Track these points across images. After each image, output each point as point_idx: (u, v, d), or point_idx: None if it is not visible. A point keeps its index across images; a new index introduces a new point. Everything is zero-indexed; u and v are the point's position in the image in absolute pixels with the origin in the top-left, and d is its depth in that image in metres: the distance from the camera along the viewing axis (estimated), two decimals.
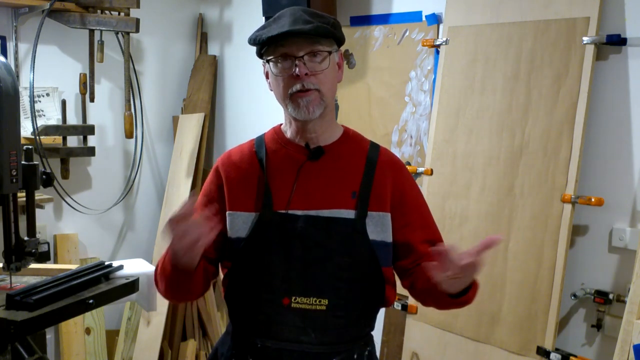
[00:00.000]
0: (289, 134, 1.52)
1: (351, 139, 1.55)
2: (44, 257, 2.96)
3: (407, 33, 2.66)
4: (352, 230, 1.44)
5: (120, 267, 1.89)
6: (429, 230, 1.56)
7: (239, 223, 1.46)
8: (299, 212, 1.44)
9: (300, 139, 1.50)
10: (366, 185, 1.47)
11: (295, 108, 1.42)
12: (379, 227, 1.46)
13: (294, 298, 1.42)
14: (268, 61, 1.44)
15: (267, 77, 1.49)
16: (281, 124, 1.57)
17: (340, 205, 1.44)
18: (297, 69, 1.38)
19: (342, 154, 1.50)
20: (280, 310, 1.42)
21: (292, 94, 1.41)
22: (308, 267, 1.42)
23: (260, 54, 1.47)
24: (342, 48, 1.53)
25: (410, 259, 1.52)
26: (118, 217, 3.41)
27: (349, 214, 1.44)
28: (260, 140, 1.55)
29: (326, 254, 1.43)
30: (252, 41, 1.44)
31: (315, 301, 1.42)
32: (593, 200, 2.01)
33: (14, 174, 1.56)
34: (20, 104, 2.13)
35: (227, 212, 1.48)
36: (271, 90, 1.49)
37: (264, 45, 1.42)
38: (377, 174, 1.49)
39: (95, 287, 1.74)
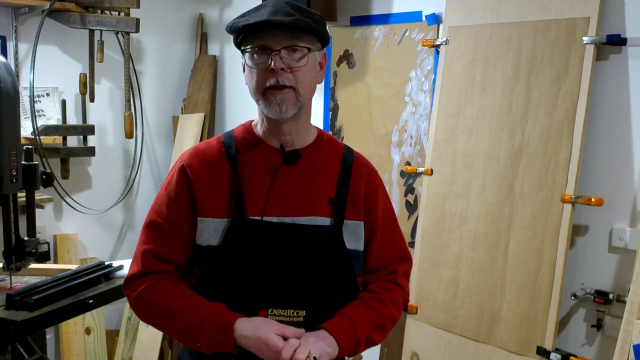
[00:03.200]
0: (260, 131, 1.43)
1: (326, 142, 1.48)
2: (43, 257, 2.96)
3: (407, 33, 2.66)
4: (330, 239, 1.39)
5: (120, 267, 1.89)
6: (390, 244, 1.51)
7: (210, 230, 1.36)
8: (274, 219, 1.36)
9: (273, 140, 1.41)
10: (342, 192, 1.42)
11: (267, 105, 1.33)
12: (354, 236, 1.42)
13: (270, 310, 1.34)
14: (244, 52, 1.36)
15: (243, 69, 1.39)
16: (252, 121, 1.47)
17: (317, 212, 1.39)
18: (273, 63, 1.30)
19: (318, 158, 1.44)
20: None
21: (266, 89, 1.32)
22: (286, 278, 1.35)
23: (237, 44, 1.39)
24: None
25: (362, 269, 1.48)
26: (118, 217, 3.41)
27: (325, 221, 1.39)
28: (229, 137, 1.45)
29: (305, 264, 1.36)
30: (229, 29, 1.36)
31: (293, 313, 1.35)
32: (593, 200, 2.01)
33: (14, 174, 1.57)
34: (20, 104, 2.13)
35: (198, 218, 1.37)
36: (246, 83, 1.39)
37: (241, 35, 1.34)
38: (352, 180, 1.44)
39: (95, 287, 1.74)
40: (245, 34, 1.34)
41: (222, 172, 1.39)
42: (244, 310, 1.33)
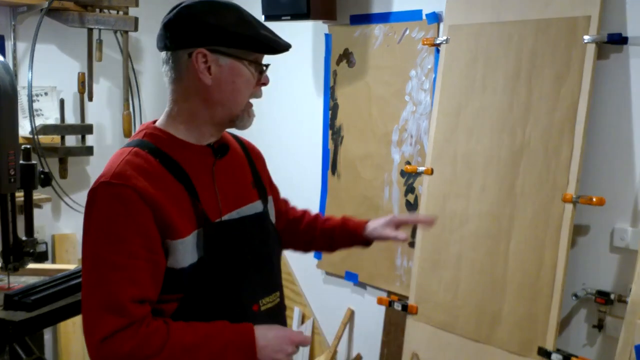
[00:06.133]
0: (182, 134, 1.34)
1: (225, 132, 1.49)
2: (42, 257, 2.96)
3: (408, 32, 2.65)
4: (269, 220, 1.49)
5: None
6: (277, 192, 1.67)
7: (188, 248, 1.27)
8: (229, 216, 1.37)
9: (195, 139, 1.36)
10: (255, 173, 1.52)
11: (247, 118, 1.36)
12: (272, 210, 1.54)
13: (261, 301, 1.40)
14: (240, 60, 1.31)
15: (209, 70, 1.29)
16: (154, 126, 1.36)
17: (251, 199, 1.46)
18: (266, 77, 1.38)
19: (231, 147, 1.47)
20: (252, 317, 1.35)
21: (248, 103, 1.36)
22: (263, 266, 1.43)
23: (223, 44, 1.28)
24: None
25: (283, 223, 1.64)
26: None
27: (259, 205, 1.47)
28: (151, 148, 1.31)
29: (268, 248, 1.46)
30: (258, 42, 1.30)
31: (274, 296, 1.45)
32: (594, 200, 2.00)
33: (12, 173, 1.56)
34: (19, 103, 2.12)
35: (169, 242, 1.25)
36: (226, 94, 1.32)
37: (255, 48, 1.31)
38: (254, 160, 1.54)
39: None
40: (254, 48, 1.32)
41: (170, 185, 1.28)
42: (240, 309, 1.35)
